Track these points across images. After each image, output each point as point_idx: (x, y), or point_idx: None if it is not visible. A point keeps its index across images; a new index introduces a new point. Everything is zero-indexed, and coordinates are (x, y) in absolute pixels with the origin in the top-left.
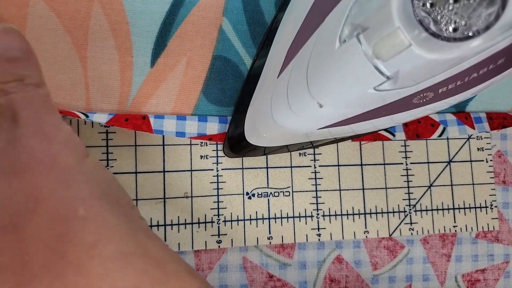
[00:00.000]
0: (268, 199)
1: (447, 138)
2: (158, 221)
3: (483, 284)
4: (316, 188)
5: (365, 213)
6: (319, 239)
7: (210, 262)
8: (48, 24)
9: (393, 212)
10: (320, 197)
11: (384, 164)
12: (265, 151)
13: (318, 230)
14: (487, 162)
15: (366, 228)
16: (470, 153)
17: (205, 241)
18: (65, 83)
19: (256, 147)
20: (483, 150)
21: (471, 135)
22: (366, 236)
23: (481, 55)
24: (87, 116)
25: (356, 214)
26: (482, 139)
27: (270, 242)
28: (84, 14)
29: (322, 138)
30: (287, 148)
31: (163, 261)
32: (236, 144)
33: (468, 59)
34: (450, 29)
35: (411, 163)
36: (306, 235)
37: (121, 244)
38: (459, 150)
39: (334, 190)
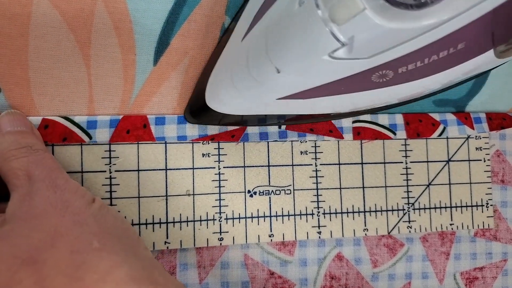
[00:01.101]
0: (270, 197)
1: (447, 138)
2: (160, 219)
3: (481, 282)
4: (317, 187)
5: (364, 211)
6: (319, 237)
7: (211, 259)
8: (51, 22)
9: (392, 210)
10: (321, 195)
11: (384, 162)
12: (228, 119)
13: (319, 228)
14: (484, 161)
15: (365, 226)
16: (469, 153)
17: (207, 239)
18: (69, 81)
19: (215, 113)
20: (481, 150)
21: (470, 135)
22: (366, 234)
23: (437, 32)
24: (90, 138)
25: (356, 212)
26: (480, 138)
27: (271, 240)
28: (88, 12)
29: (285, 112)
30: (257, 121)
31: (168, 287)
32: (196, 108)
33: (423, 32)
34: None
35: (411, 162)
36: (307, 232)
37: (131, 270)
38: (458, 149)
39: (335, 188)
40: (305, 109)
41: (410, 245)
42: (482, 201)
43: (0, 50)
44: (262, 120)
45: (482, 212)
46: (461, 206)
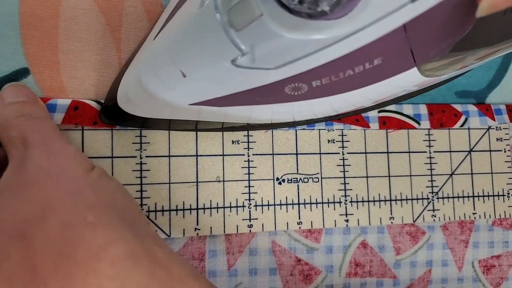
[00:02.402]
0: (298, 185)
1: (468, 128)
2: (190, 205)
3: (498, 269)
4: (344, 175)
5: (390, 200)
6: (347, 225)
7: (240, 245)
8: (82, 4)
9: (417, 199)
10: (348, 183)
11: (409, 152)
12: (146, 123)
13: (346, 216)
14: (505, 152)
15: (391, 214)
16: (490, 143)
17: (237, 225)
18: (99, 65)
19: (131, 116)
20: (501, 141)
21: (491, 125)
22: (392, 222)
23: (346, 45)
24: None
25: (382, 200)
26: (501, 129)
27: (300, 227)
28: None
29: (203, 119)
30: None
31: (169, 265)
32: (109, 109)
33: (329, 45)
34: (296, 0)
35: (434, 151)
36: (335, 220)
37: (129, 247)
38: (479, 140)
39: (362, 177)
40: (225, 117)
41: (431, 233)
42: (503, 191)
43: (30, 32)
44: (181, 123)
45: (504, 201)
46: (483, 196)
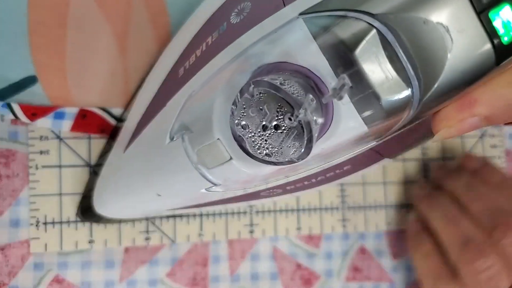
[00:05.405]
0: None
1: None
2: (194, 211)
3: None
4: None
5: (386, 206)
6: (343, 230)
7: (242, 251)
8: (89, 14)
9: (412, 204)
10: (345, 190)
11: (404, 159)
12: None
13: (343, 222)
14: (499, 158)
15: (388, 220)
16: (483, 150)
17: (239, 231)
18: (105, 73)
19: (108, 218)
20: (495, 147)
21: (484, 132)
22: (386, 228)
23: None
24: None
25: (378, 206)
26: (494, 137)
27: (299, 233)
28: (125, 4)
29: (177, 213)
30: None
31: None
32: (86, 211)
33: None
34: (264, 153)
35: (427, 158)
36: (332, 226)
37: None
38: (473, 146)
39: (359, 183)
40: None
41: None
42: None
43: (38, 39)
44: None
45: None
46: None
